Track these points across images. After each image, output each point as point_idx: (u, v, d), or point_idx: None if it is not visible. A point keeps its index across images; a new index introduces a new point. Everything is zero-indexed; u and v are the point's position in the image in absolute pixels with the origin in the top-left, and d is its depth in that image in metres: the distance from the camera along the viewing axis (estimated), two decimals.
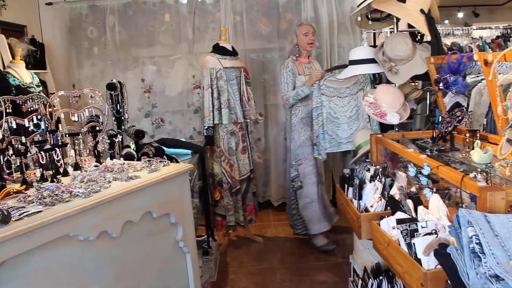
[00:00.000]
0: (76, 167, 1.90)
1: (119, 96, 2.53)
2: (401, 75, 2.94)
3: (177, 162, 2.54)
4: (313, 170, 3.75)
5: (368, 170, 2.72)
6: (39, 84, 3.74)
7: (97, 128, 2.02)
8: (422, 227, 1.74)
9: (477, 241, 1.29)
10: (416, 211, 2.04)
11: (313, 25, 3.74)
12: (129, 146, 2.58)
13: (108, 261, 1.54)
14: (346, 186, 2.70)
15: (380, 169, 2.56)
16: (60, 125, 1.92)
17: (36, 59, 4.22)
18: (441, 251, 1.51)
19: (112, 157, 2.19)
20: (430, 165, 1.93)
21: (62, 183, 1.65)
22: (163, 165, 1.87)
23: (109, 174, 1.72)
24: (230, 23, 4.61)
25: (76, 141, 1.90)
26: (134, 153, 2.38)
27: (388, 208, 2.25)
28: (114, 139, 2.09)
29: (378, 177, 2.54)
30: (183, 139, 3.43)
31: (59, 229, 1.33)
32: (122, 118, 2.60)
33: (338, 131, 3.55)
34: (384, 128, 3.53)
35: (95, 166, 1.89)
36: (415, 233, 1.73)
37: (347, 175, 2.75)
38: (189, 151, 3.11)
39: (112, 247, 1.54)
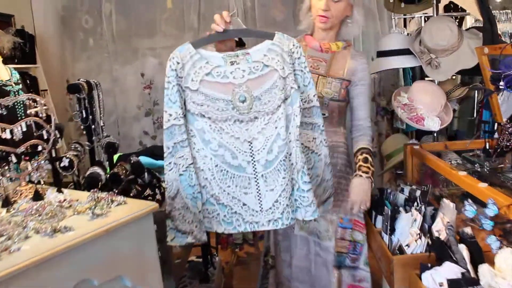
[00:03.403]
0: (5, 203, 1.39)
1: (86, 100, 2.02)
2: (443, 70, 2.34)
3: (159, 182, 2.03)
4: (293, 247, 2.11)
5: (402, 190, 2.15)
6: (19, 81, 3.27)
7: (40, 148, 1.50)
8: None
9: None
10: (472, 262, 1.47)
11: None
12: (101, 163, 2.07)
13: None
14: (374, 212, 2.13)
15: (419, 194, 1.98)
16: None
17: (24, 52, 3.78)
18: None
19: (68, 184, 1.69)
20: (498, 203, 1.35)
21: None
22: (116, 204, 1.34)
23: (33, 222, 1.20)
24: (240, 9, 4.06)
25: (5, 167, 1.40)
26: (101, 174, 1.87)
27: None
28: (63, 162, 1.57)
29: (416, 202, 1.96)
30: None
31: None
32: (93, 127, 2.09)
33: (246, 197, 1.57)
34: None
35: (27, 202, 1.38)
36: None
37: (376, 197, 2.17)
38: None
39: None
